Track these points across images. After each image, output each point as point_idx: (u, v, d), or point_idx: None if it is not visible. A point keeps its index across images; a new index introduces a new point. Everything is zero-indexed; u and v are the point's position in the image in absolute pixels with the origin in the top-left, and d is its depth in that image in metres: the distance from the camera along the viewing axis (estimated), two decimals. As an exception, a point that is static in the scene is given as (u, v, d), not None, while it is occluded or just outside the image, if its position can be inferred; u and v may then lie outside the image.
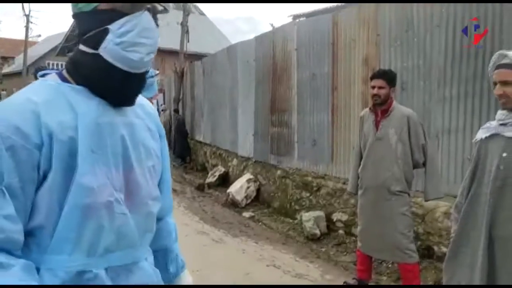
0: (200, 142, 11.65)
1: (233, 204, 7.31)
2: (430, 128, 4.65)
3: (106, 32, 1.03)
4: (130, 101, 1.14)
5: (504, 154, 2.01)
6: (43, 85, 1.06)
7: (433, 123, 4.64)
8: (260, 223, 6.28)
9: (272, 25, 8.40)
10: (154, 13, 1.10)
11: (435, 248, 4.47)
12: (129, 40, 1.03)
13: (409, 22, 4.80)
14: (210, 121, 10.76)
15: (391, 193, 3.43)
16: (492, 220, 2.03)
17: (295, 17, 7.56)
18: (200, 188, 8.80)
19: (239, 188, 7.52)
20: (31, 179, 0.96)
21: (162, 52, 23.58)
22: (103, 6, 1.04)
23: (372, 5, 5.36)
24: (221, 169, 9.31)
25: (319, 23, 6.12)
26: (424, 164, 3.49)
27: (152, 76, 1.90)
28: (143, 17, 1.05)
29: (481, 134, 2.17)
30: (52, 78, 1.09)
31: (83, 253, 1.03)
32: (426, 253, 4.52)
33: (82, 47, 1.08)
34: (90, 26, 1.05)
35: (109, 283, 1.06)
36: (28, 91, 1.04)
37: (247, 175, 7.82)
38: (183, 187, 8.90)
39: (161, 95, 17.78)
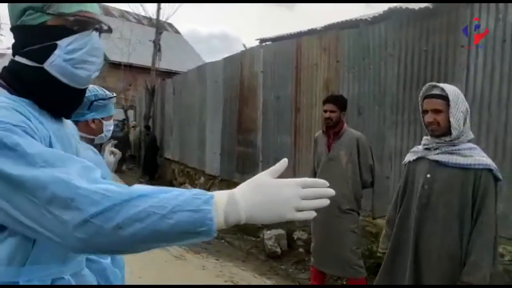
0: (169, 160, 11.68)
1: (197, 222, 7.37)
2: (384, 150, 4.91)
3: (53, 47, 1.03)
4: (70, 114, 1.16)
5: (428, 175, 2.22)
6: None
7: (386, 145, 4.90)
8: (223, 241, 6.36)
9: (244, 45, 8.70)
10: (100, 33, 1.12)
11: (388, 265, 4.66)
12: (79, 58, 1.05)
13: (366, 50, 5.10)
14: (179, 139, 10.84)
15: (342, 211, 3.62)
16: (418, 234, 2.23)
17: (262, 40, 7.83)
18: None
19: (204, 205, 7.59)
20: None
21: (135, 69, 23.58)
22: (51, 22, 1.03)
23: (333, 32, 5.66)
24: (187, 187, 9.36)
25: (284, 47, 6.39)
26: (372, 184, 3.70)
27: (105, 99, 1.99)
28: (92, 36, 1.07)
29: (409, 157, 2.39)
30: None
31: (59, 261, 1.06)
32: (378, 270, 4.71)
33: (21, 59, 1.06)
34: (35, 40, 1.03)
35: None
36: None
37: (213, 193, 7.92)
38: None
39: (131, 111, 17.76)
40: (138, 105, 16.91)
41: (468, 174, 2.13)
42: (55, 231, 0.83)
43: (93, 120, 1.95)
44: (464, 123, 2.18)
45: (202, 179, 8.97)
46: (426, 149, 2.29)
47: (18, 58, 1.07)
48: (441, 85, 2.28)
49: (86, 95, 1.85)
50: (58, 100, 1.09)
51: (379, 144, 4.94)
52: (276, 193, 0.89)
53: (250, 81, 7.11)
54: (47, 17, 1.03)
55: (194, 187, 9.09)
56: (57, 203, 0.82)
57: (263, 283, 4.61)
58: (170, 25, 34.47)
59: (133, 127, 15.95)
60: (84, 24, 1.07)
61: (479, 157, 2.14)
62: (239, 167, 7.47)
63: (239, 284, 4.54)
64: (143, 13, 16.41)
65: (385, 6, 4.84)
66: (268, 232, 5.94)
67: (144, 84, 14.51)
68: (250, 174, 7.08)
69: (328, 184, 0.94)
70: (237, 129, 7.56)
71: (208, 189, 8.15)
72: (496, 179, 2.13)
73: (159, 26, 14.18)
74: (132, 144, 15.84)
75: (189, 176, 9.84)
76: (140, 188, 0.87)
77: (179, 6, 27.21)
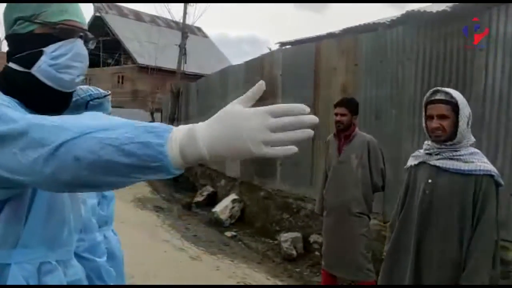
0: (192, 162, 11.83)
1: (217, 224, 7.44)
2: (401, 153, 4.84)
3: (40, 53, 1.11)
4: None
5: (429, 180, 2.20)
6: None
7: (403, 150, 4.83)
8: (240, 243, 6.40)
9: (270, 49, 8.78)
10: (86, 41, 1.19)
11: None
12: (62, 63, 1.13)
13: (383, 53, 5.05)
14: (202, 141, 10.97)
15: (352, 215, 3.61)
16: (419, 239, 2.21)
17: (282, 44, 7.86)
18: (187, 207, 8.93)
19: (224, 208, 7.65)
20: None
21: (164, 72, 24.07)
22: (39, 30, 1.13)
23: (352, 36, 5.64)
24: (209, 189, 9.45)
25: (303, 51, 6.40)
26: (383, 188, 3.67)
27: (100, 97, 2.06)
28: (76, 43, 1.15)
29: (411, 161, 2.38)
30: None
31: (45, 246, 1.13)
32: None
33: (13, 65, 1.14)
34: (24, 47, 1.12)
35: (62, 274, 1.18)
36: None
37: (233, 195, 7.97)
38: (171, 206, 9.02)
39: (158, 114, 18.11)
40: (164, 107, 17.21)
41: (469, 180, 2.10)
42: (31, 174, 0.88)
43: None
44: (467, 127, 2.15)
45: (223, 181, 9.05)
46: (427, 154, 2.26)
47: (10, 64, 1.16)
48: (446, 89, 2.25)
49: (81, 96, 1.94)
50: (45, 102, 1.16)
51: (396, 147, 4.88)
52: (239, 123, 0.77)
53: (270, 85, 7.14)
54: (35, 26, 1.13)
55: (216, 190, 9.20)
56: (31, 145, 0.87)
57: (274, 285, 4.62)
58: (199, 29, 35.02)
59: (159, 129, 16.28)
60: (69, 32, 1.15)
61: (480, 163, 2.10)
62: (257, 170, 7.50)
63: (250, 284, 4.58)
64: (169, 17, 16.67)
65: (403, 10, 4.80)
66: (285, 235, 5.95)
67: (169, 87, 14.80)
68: (269, 178, 7.14)
69: (309, 110, 0.79)
70: (256, 132, 7.61)
71: (229, 192, 8.23)
72: (497, 184, 2.09)
73: (185, 30, 14.39)
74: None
75: (211, 179, 9.94)
76: (105, 122, 0.87)
77: (205, 10, 27.60)
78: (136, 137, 0.81)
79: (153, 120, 17.26)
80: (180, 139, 0.80)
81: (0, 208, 1.05)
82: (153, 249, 5.65)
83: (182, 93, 13.41)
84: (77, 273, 1.28)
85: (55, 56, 1.12)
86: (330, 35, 6.47)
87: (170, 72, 20.87)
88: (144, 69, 25.85)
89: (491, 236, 2.06)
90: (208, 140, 0.79)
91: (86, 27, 1.21)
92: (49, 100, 1.16)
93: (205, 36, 35.97)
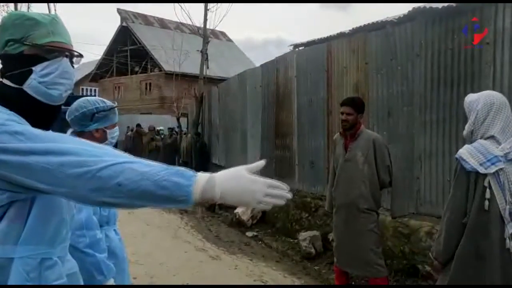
0: (216, 165, 12.05)
1: (239, 224, 7.59)
2: (414, 151, 4.87)
3: (30, 72, 1.24)
4: (49, 126, 1.32)
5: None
6: None
7: (416, 147, 4.85)
8: (260, 242, 6.52)
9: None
10: (72, 58, 1.32)
11: (420, 267, 4.61)
12: (50, 80, 1.26)
13: (393, 51, 5.09)
14: (224, 144, 11.17)
15: (360, 211, 3.68)
16: None
17: (296, 46, 7.95)
18: (211, 208, 9.13)
19: (245, 208, 7.79)
20: None
21: (189, 77, 24.45)
22: (28, 51, 1.25)
23: (361, 35, 5.69)
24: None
25: (315, 52, 6.48)
26: (390, 184, 3.73)
27: (105, 110, 2.18)
28: (62, 62, 1.28)
29: None
30: None
31: (46, 243, 1.24)
32: (412, 272, 4.67)
33: (6, 81, 1.27)
34: (15, 66, 1.25)
35: (62, 269, 1.31)
36: None
37: (254, 196, 8.10)
38: (195, 208, 9.24)
39: (184, 119, 18.43)
40: (190, 113, 17.49)
41: None
42: (67, 186, 1.06)
43: (97, 130, 2.15)
44: (474, 123, 2.26)
45: (245, 183, 9.19)
46: None
47: (4, 80, 1.30)
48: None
49: (88, 108, 2.09)
50: (36, 113, 1.29)
51: (409, 145, 4.91)
52: (247, 185, 1.10)
53: (285, 86, 7.26)
54: (24, 47, 1.25)
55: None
56: (70, 164, 1.05)
57: (291, 283, 4.72)
58: (223, 33, 35.38)
59: (184, 134, 16.55)
60: (55, 52, 1.28)
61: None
62: (277, 170, 7.61)
63: (268, 283, 4.69)
64: (190, 22, 16.95)
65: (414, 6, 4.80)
66: (303, 233, 6.03)
67: (193, 92, 15.08)
68: (287, 178, 7.23)
69: (288, 189, 1.15)
70: (274, 134, 7.73)
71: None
72: (462, 166, 2.20)
73: (206, 36, 14.64)
74: (184, 151, 16.49)
75: (234, 180, 10.10)
76: (138, 159, 1.11)
77: (226, 14, 27.71)
78: (170, 176, 1.06)
79: (179, 125, 17.56)
80: (203, 183, 1.07)
81: (6, 208, 1.19)
82: (175, 250, 5.85)
83: (205, 97, 13.65)
84: (73, 267, 1.43)
85: (43, 74, 1.25)
86: (341, 35, 6.52)
87: (195, 78, 21.17)
88: (170, 75, 26.30)
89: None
90: (222, 190, 1.09)
91: (71, 47, 1.34)
92: (39, 112, 1.30)
93: (229, 40, 36.31)
